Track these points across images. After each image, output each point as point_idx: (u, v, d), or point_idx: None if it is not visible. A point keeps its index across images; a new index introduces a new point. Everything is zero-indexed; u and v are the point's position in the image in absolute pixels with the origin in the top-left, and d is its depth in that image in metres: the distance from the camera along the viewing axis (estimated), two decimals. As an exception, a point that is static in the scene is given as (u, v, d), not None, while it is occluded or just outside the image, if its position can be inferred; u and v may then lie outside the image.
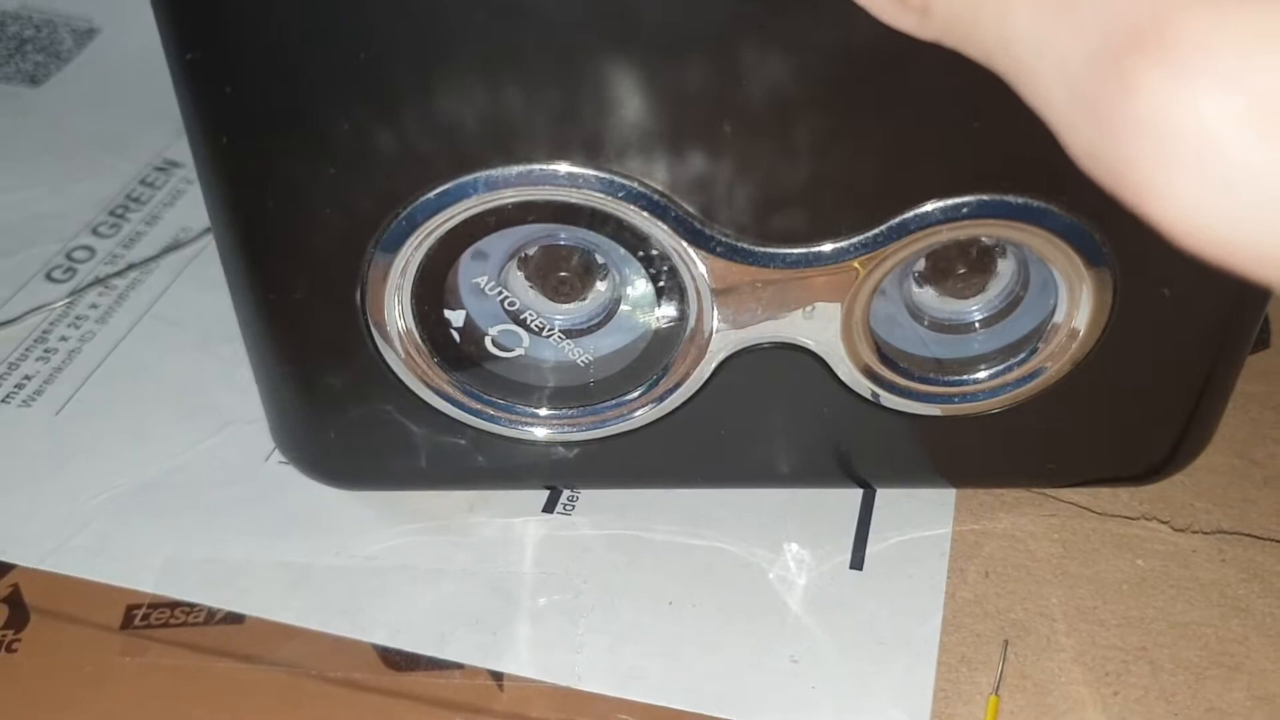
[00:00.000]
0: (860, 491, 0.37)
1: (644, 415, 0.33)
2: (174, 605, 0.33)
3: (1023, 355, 0.32)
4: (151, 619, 0.33)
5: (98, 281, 0.44)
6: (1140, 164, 0.15)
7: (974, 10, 0.18)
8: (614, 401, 0.33)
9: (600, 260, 0.31)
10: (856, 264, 0.29)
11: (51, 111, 0.53)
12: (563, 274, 0.31)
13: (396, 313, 0.31)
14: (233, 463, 0.38)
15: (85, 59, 0.55)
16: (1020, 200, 0.28)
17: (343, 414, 0.33)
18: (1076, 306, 0.31)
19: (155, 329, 0.42)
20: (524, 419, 0.33)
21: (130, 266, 0.45)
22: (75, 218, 0.46)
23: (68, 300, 0.43)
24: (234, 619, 0.33)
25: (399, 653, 0.32)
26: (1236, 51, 0.14)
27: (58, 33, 0.56)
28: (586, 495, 0.36)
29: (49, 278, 0.44)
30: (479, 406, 0.33)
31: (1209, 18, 0.15)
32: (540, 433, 0.33)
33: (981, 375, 0.32)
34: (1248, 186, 0.14)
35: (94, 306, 0.43)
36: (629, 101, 0.26)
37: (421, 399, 0.32)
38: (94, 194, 0.48)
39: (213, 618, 0.33)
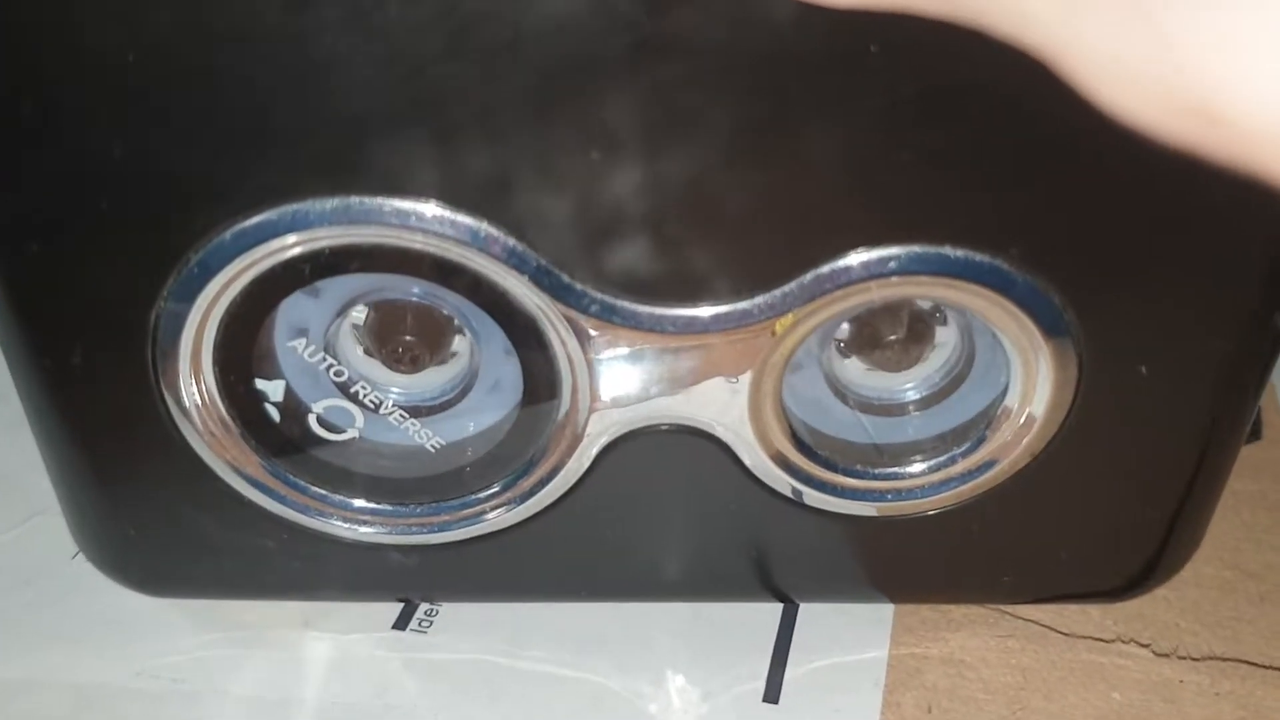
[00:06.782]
0: (779, 606, 0.34)
1: (504, 516, 0.29)
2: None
3: (968, 445, 0.29)
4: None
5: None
6: (1213, 60, 0.15)
7: None
8: (470, 499, 0.29)
9: (451, 319, 0.28)
10: (763, 329, 0.26)
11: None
12: (405, 337, 0.27)
13: (194, 382, 0.27)
14: (34, 559, 0.34)
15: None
16: (961, 254, 0.25)
17: (142, 505, 0.30)
18: (1032, 386, 0.28)
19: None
20: (358, 518, 0.30)
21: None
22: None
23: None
24: (2, 755, 0.29)
25: (198, 802, 0.28)
26: None
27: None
28: (449, 609, 0.32)
29: None
30: (303, 500, 0.29)
31: None
32: (377, 534, 0.30)
33: (918, 469, 0.29)
34: None
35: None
36: (478, 118, 0.23)
37: (230, 488, 0.29)
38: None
39: (-26, 754, 0.28)
